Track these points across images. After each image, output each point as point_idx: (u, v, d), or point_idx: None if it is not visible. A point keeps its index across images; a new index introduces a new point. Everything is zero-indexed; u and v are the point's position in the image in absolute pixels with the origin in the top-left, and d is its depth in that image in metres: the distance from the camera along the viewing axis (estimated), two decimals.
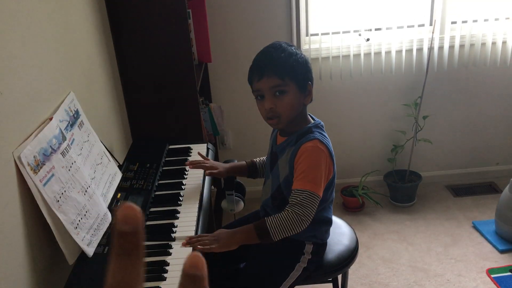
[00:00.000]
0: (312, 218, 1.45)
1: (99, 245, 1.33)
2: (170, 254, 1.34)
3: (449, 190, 3.21)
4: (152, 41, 2.05)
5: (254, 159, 1.80)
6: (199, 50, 2.56)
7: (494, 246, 2.62)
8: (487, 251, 2.61)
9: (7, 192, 1.10)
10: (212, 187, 2.82)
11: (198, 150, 1.93)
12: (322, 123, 1.58)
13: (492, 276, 2.41)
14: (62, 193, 1.25)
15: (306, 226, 1.44)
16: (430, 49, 2.87)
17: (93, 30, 1.81)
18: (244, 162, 1.80)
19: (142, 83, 2.12)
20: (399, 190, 3.08)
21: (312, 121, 1.58)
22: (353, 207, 3.07)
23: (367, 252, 2.67)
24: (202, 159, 1.78)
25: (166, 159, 1.87)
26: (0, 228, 1.06)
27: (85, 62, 1.72)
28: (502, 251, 2.58)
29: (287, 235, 1.44)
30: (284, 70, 1.45)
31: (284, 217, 1.43)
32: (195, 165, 1.75)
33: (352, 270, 2.52)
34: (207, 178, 1.77)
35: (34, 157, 1.18)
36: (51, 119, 1.32)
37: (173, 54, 2.09)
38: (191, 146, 1.98)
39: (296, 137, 1.52)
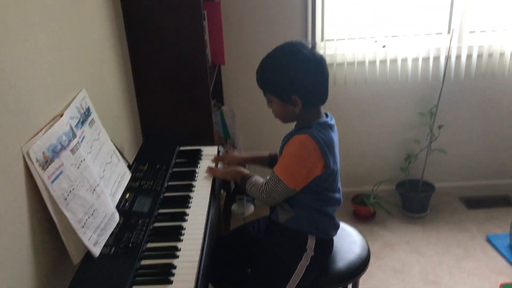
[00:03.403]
0: (276, 202, 1.58)
1: (105, 245, 1.30)
2: (177, 257, 1.31)
3: (463, 202, 3.15)
4: (166, 41, 2.03)
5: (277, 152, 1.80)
6: (213, 52, 2.54)
7: (508, 260, 2.56)
8: (501, 265, 2.55)
9: (14, 187, 1.08)
10: (222, 190, 2.79)
11: (209, 152, 1.91)
12: (330, 122, 1.57)
13: None
14: (70, 191, 1.23)
15: (271, 204, 1.61)
16: (447, 58, 2.82)
17: (108, 29, 1.80)
18: (265, 153, 1.85)
19: (154, 83, 2.11)
20: (412, 200, 3.02)
21: (323, 118, 1.56)
22: (364, 216, 3.02)
23: (378, 262, 2.62)
24: (225, 155, 1.89)
25: (177, 160, 1.85)
26: (5, 223, 1.04)
27: (98, 60, 1.70)
28: None
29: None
30: (263, 84, 1.57)
31: (256, 189, 1.58)
32: (218, 160, 1.86)
33: (363, 280, 2.46)
34: (217, 180, 1.74)
35: (43, 153, 1.16)
36: (62, 115, 1.30)
37: (187, 55, 2.07)
38: (202, 148, 1.95)
39: (295, 130, 1.58)
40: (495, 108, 3.04)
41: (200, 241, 1.37)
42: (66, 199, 1.20)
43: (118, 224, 1.40)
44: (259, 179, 1.62)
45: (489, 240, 2.74)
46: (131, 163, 1.78)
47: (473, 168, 3.21)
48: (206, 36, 2.42)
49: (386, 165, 3.19)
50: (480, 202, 3.13)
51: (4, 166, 1.04)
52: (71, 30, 1.46)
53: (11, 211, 1.06)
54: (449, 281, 2.46)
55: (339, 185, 1.63)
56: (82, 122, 1.43)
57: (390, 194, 3.16)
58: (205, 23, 2.31)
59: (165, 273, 1.23)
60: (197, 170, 1.78)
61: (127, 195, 1.56)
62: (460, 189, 3.24)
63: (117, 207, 1.46)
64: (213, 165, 1.83)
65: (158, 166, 1.76)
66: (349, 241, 1.74)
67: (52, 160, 1.19)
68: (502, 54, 2.85)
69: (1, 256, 1.02)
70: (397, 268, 2.57)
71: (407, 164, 3.06)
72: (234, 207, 1.87)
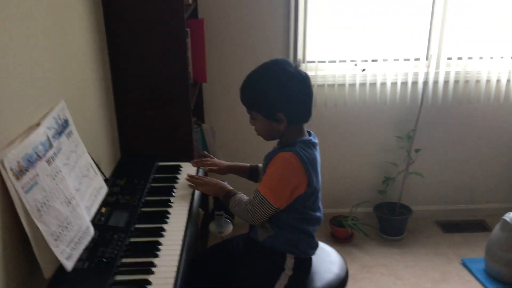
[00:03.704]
0: (261, 221, 1.54)
1: (79, 259, 1.27)
2: (153, 273, 1.28)
3: (439, 225, 3.18)
4: (148, 57, 2.02)
5: (259, 164, 1.78)
6: (195, 70, 2.54)
7: (483, 285, 2.58)
8: None
9: None
10: (200, 209, 2.76)
11: (187, 168, 1.89)
12: (313, 140, 1.57)
13: None
14: (45, 203, 1.20)
15: (255, 223, 1.56)
16: (425, 83, 2.88)
17: (90, 42, 1.79)
18: (247, 164, 1.83)
19: (135, 99, 2.09)
20: (389, 223, 3.04)
21: (307, 136, 1.56)
22: (342, 238, 3.01)
23: (355, 284, 2.60)
24: (205, 158, 1.87)
25: (155, 175, 1.82)
26: None
27: (79, 73, 1.68)
28: None
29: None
30: (247, 101, 1.58)
31: (240, 208, 1.56)
32: (197, 163, 1.83)
33: None
34: (196, 196, 1.72)
35: (17, 162, 1.13)
36: (39, 125, 1.27)
37: (169, 72, 2.06)
38: (181, 164, 1.93)
39: (279, 148, 1.58)
40: (472, 133, 3.10)
41: (177, 257, 1.35)
42: (39, 210, 1.17)
43: (93, 238, 1.36)
44: (243, 197, 1.60)
45: (464, 264, 2.76)
46: (108, 177, 1.75)
47: (449, 193, 3.25)
48: (189, 54, 2.42)
49: (364, 187, 3.20)
50: (456, 226, 3.17)
51: None
52: (53, 42, 1.45)
53: None
54: None
55: (320, 204, 1.62)
56: (59, 133, 1.40)
57: (368, 216, 3.17)
58: (188, 40, 2.31)
59: None
60: (175, 185, 1.76)
61: (103, 210, 1.52)
62: (436, 212, 3.27)
63: (93, 221, 1.43)
64: (194, 170, 1.81)
65: (136, 180, 1.73)
66: (327, 261, 1.73)
67: (27, 170, 1.16)
68: (478, 81, 2.92)
69: None
70: None
71: (385, 187, 3.08)
72: (212, 226, 1.84)
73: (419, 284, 2.61)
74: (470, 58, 2.88)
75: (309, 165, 1.47)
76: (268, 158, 1.54)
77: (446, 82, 2.93)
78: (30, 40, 1.29)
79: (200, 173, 1.85)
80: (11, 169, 1.10)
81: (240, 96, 1.58)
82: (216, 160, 1.86)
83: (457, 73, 2.91)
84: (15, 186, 1.11)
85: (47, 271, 1.19)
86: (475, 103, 2.99)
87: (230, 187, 1.67)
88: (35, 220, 1.14)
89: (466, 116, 3.05)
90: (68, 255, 1.23)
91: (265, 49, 2.80)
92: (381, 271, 2.73)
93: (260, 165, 1.81)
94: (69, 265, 1.22)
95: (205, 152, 1.93)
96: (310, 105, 1.56)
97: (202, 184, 1.71)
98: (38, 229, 1.15)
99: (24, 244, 1.16)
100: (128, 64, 2.03)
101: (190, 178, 1.72)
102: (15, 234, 1.15)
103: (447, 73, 2.90)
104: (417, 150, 2.99)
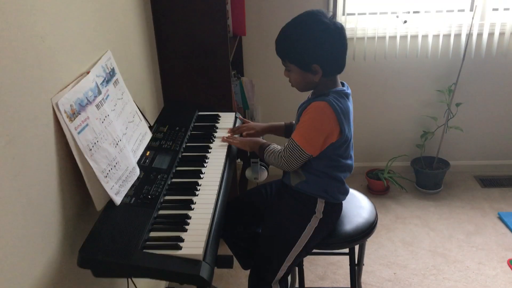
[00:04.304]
0: (294, 168, 1.61)
1: (126, 195, 1.40)
2: (192, 209, 1.39)
3: (477, 180, 3.17)
4: (189, 10, 2.10)
5: (293, 121, 1.85)
6: (234, 23, 2.59)
7: None
8: (510, 242, 2.59)
9: (44, 135, 1.17)
10: (238, 160, 2.88)
11: (226, 118, 1.98)
12: (346, 90, 1.60)
13: None
14: (95, 143, 1.32)
15: (290, 169, 1.63)
16: (469, 35, 2.82)
17: None
18: (282, 123, 1.90)
19: (177, 51, 2.18)
20: (426, 176, 3.06)
21: (340, 87, 1.61)
22: (378, 190, 3.07)
23: (388, 234, 2.68)
24: (242, 125, 1.93)
25: (195, 124, 1.93)
26: (36, 168, 1.13)
27: (124, 25, 1.78)
28: None
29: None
30: (283, 53, 1.59)
31: (275, 156, 1.64)
32: (235, 131, 1.89)
33: (372, 250, 2.54)
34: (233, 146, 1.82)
35: (70, 106, 1.25)
36: (88, 72, 1.38)
37: (209, 24, 2.13)
38: (220, 114, 2.02)
39: (313, 98, 1.61)
40: None
41: (215, 196, 1.46)
42: (91, 150, 1.29)
43: (138, 177, 1.49)
44: (277, 146, 1.67)
45: (500, 218, 2.77)
46: (152, 124, 1.87)
47: (489, 148, 3.22)
48: (228, 7, 2.47)
49: (402, 141, 3.22)
50: (494, 181, 3.16)
51: (35, 114, 1.13)
52: None
53: (41, 156, 1.15)
54: (457, 254, 2.51)
55: (352, 152, 1.68)
56: (107, 81, 1.51)
57: (405, 170, 3.20)
58: None
59: (181, 222, 1.32)
60: (214, 134, 1.86)
61: (148, 153, 1.64)
62: (475, 167, 3.26)
63: (138, 163, 1.55)
64: (231, 120, 1.89)
65: (177, 128, 1.83)
66: (358, 206, 1.81)
67: (78, 113, 1.28)
68: None
69: (33, 196, 1.11)
70: (406, 240, 2.63)
71: (423, 141, 3.08)
72: (248, 172, 1.94)
73: (452, 235, 2.66)
74: None
75: (341, 114, 1.52)
76: (302, 108, 1.60)
77: (490, 35, 2.85)
78: None
79: (238, 124, 1.93)
80: (65, 111, 1.22)
81: (276, 48, 1.61)
82: (251, 123, 1.92)
83: (502, 24, 2.82)
84: (68, 127, 1.23)
85: (99, 204, 1.32)
86: None
87: (264, 141, 1.75)
88: (87, 158, 1.27)
89: (510, 69, 2.98)
90: (116, 191, 1.36)
91: (304, 2, 2.80)
92: (415, 222, 2.78)
93: (293, 122, 1.87)
94: (117, 199, 1.36)
95: (240, 117, 1.99)
96: (345, 56, 1.58)
97: (237, 139, 1.81)
98: (90, 166, 1.28)
99: (78, 179, 1.29)
100: (170, 17, 2.11)
101: (226, 138, 1.82)
102: (70, 170, 1.29)
103: (492, 25, 2.83)
104: (457, 104, 2.96)
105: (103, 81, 1.48)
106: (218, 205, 1.44)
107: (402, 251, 2.55)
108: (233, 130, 1.90)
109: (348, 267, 1.89)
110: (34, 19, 1.13)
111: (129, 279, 1.59)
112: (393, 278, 2.37)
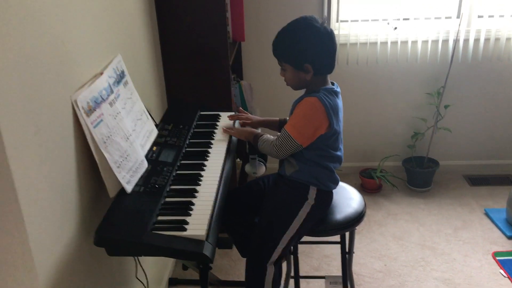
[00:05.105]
0: (285, 156, 1.79)
1: (136, 185, 1.54)
2: (196, 197, 1.54)
3: (466, 179, 3.32)
4: (191, 16, 2.26)
5: (287, 118, 2.01)
6: (234, 29, 2.74)
7: (503, 232, 2.74)
8: (495, 236, 2.73)
9: (64, 128, 1.32)
10: (238, 159, 3.02)
11: (225, 117, 2.14)
12: (335, 89, 1.77)
13: (498, 258, 2.53)
14: (109, 137, 1.47)
15: (280, 157, 1.81)
16: (456, 41, 2.98)
17: (140, 3, 2.03)
18: (276, 118, 2.08)
19: (180, 55, 2.34)
20: (416, 175, 3.20)
21: (330, 85, 1.77)
22: (371, 188, 3.22)
23: (380, 229, 2.82)
24: (240, 113, 2.12)
25: (198, 122, 2.08)
26: (58, 156, 1.27)
27: (131, 30, 1.93)
28: (510, 237, 2.69)
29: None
30: (279, 54, 1.77)
31: (268, 144, 1.81)
32: (234, 117, 2.09)
33: (364, 244, 2.68)
34: (232, 139, 1.97)
35: (87, 102, 1.40)
36: (102, 73, 1.54)
37: (210, 30, 2.29)
38: (220, 113, 2.18)
39: (305, 95, 1.78)
40: (500, 90, 3.19)
41: (216, 186, 1.61)
42: (105, 142, 1.44)
43: (146, 169, 1.63)
44: (269, 136, 1.84)
45: (487, 214, 2.91)
46: (158, 122, 2.01)
47: (477, 148, 3.37)
48: (228, 14, 2.63)
49: (393, 142, 3.37)
50: (482, 180, 3.30)
51: (57, 109, 1.27)
52: (110, 2, 1.69)
53: (62, 146, 1.30)
54: (445, 247, 2.65)
55: (341, 146, 1.83)
56: (118, 82, 1.66)
57: (397, 169, 3.35)
58: (228, 1, 2.51)
59: (186, 207, 1.47)
60: (215, 131, 2.01)
61: (154, 148, 1.79)
62: (464, 167, 3.41)
63: (146, 157, 1.70)
64: (230, 122, 2.06)
65: (181, 126, 1.98)
66: (348, 197, 1.95)
67: (94, 109, 1.43)
68: (508, 39, 2.99)
69: (56, 181, 1.26)
70: (397, 235, 2.78)
71: (414, 141, 3.23)
72: (247, 167, 2.09)
73: (440, 230, 2.80)
74: (501, 16, 2.94)
75: (330, 109, 1.68)
76: (295, 103, 1.77)
77: (476, 40, 3.01)
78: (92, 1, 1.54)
79: (236, 125, 2.09)
80: (83, 107, 1.37)
81: (273, 50, 1.79)
82: (249, 115, 2.10)
83: (487, 31, 2.98)
84: (86, 121, 1.37)
85: (112, 192, 1.47)
86: (505, 60, 3.06)
87: (258, 131, 1.92)
88: (102, 149, 1.41)
89: (495, 73, 3.14)
90: (127, 180, 1.51)
91: (300, 8, 2.96)
92: (405, 218, 2.93)
93: (287, 118, 2.03)
94: (128, 188, 1.50)
95: (240, 108, 2.17)
96: (334, 57, 1.75)
97: (234, 129, 1.99)
98: (104, 157, 1.42)
99: (93, 169, 1.44)
100: (174, 23, 2.27)
101: (225, 129, 2.00)
102: (87, 161, 1.43)
103: (478, 31, 2.98)
104: (446, 106, 3.11)
105: (114, 82, 1.62)
106: (219, 193, 1.59)
107: (393, 245, 2.69)
108: (232, 116, 2.09)
109: (341, 259, 2.03)
110: (56, 26, 1.28)
111: (137, 261, 1.73)
112: (384, 269, 2.51)
